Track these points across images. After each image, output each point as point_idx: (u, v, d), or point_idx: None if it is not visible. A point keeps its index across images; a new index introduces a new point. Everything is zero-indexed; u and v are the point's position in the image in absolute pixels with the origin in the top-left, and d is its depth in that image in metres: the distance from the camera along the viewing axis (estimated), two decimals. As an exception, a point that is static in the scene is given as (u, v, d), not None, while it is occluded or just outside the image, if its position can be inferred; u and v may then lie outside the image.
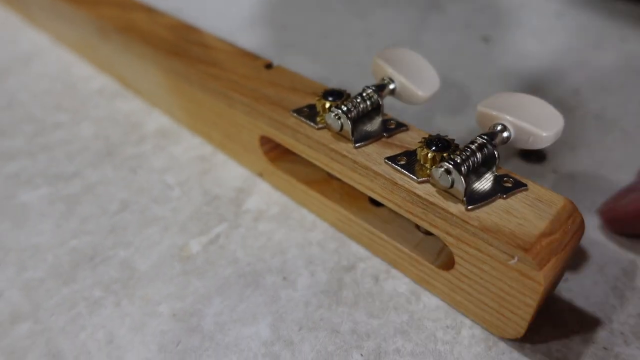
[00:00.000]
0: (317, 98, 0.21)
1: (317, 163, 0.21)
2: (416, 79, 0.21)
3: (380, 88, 0.21)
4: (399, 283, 0.21)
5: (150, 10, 0.31)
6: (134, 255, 0.23)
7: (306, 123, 0.21)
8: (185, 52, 0.26)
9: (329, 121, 0.20)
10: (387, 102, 0.24)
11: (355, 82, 0.22)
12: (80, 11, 0.32)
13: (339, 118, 0.20)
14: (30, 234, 0.25)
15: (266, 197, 0.26)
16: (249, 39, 0.38)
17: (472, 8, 0.41)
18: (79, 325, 0.21)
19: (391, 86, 0.21)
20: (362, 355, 0.19)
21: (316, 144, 0.21)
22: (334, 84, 0.33)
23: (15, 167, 0.28)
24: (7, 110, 0.33)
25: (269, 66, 0.25)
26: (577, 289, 0.21)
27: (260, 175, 0.26)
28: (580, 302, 0.21)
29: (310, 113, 0.22)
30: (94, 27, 0.32)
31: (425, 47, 0.37)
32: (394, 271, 0.22)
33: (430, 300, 0.21)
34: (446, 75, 0.34)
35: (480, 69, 0.35)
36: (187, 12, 0.42)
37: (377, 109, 0.21)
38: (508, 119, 0.18)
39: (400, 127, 0.21)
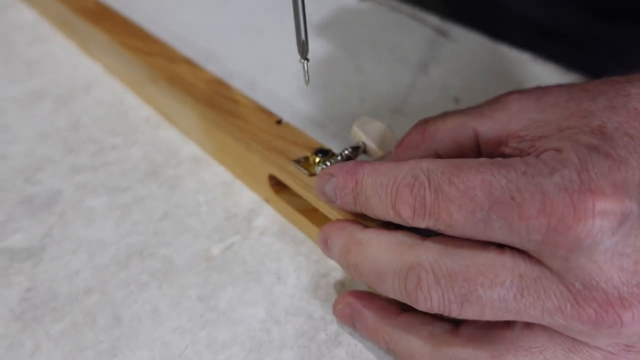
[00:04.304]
0: (310, 153, 0.30)
1: (307, 199, 0.30)
2: (382, 145, 0.30)
3: (355, 149, 0.30)
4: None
5: (192, 64, 0.40)
6: (173, 253, 0.32)
7: (301, 170, 0.30)
8: (218, 105, 0.36)
9: (317, 172, 0.29)
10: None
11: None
12: (135, 58, 0.42)
13: (324, 170, 0.29)
14: (96, 231, 0.34)
15: (270, 217, 0.35)
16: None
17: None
18: (133, 299, 0.30)
19: (363, 149, 0.30)
20: (326, 334, 0.28)
21: (307, 187, 0.30)
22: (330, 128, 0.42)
23: (82, 179, 0.38)
24: (74, 131, 0.42)
25: (279, 122, 0.34)
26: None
27: (267, 201, 0.35)
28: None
29: (305, 163, 0.30)
30: (145, 72, 0.41)
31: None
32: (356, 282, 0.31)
33: (377, 301, 0.30)
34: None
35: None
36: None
37: (352, 164, 0.30)
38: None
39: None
